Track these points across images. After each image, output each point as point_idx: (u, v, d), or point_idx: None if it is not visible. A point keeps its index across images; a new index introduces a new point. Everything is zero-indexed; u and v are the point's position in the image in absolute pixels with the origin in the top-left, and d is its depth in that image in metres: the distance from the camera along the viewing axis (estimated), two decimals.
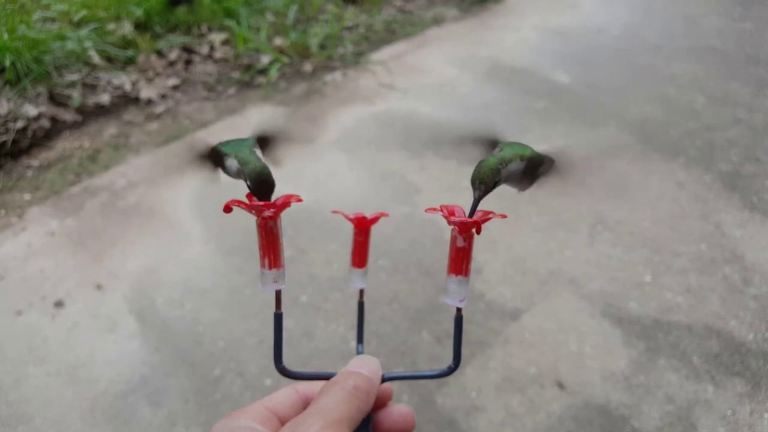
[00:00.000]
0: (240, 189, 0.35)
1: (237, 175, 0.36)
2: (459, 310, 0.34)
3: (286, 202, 0.33)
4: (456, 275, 0.33)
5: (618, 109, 2.10)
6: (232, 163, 0.36)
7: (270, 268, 0.33)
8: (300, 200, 0.33)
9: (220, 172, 0.39)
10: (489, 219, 0.32)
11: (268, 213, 0.32)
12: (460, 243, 0.33)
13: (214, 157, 0.38)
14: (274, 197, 0.34)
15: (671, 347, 1.19)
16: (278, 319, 0.34)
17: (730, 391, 1.11)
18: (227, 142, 0.38)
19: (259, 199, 0.34)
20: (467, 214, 0.34)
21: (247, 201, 0.33)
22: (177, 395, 1.08)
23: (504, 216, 0.32)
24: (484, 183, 0.35)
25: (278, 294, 0.34)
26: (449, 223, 0.33)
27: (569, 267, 1.38)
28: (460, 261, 0.33)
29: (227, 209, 0.32)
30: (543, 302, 1.29)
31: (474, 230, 0.32)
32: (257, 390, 1.09)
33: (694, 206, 1.60)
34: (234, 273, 1.34)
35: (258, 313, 1.25)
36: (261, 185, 0.34)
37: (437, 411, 1.06)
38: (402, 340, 1.20)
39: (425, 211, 0.34)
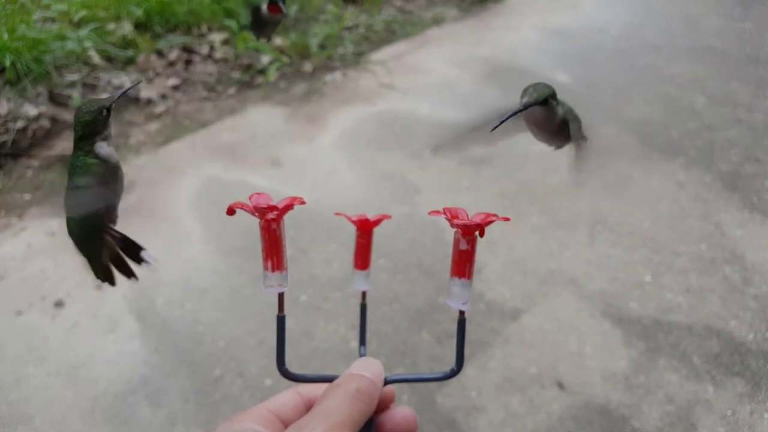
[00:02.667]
0: (241, 191, 0.35)
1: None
2: (462, 312, 0.34)
3: (289, 205, 0.32)
4: (459, 278, 0.33)
5: (618, 109, 2.10)
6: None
7: (273, 270, 0.33)
8: (303, 202, 0.33)
9: None
10: (492, 222, 0.32)
11: (271, 215, 0.32)
12: (464, 246, 0.33)
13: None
14: (276, 200, 0.34)
15: (671, 347, 1.19)
16: (281, 321, 0.34)
17: (730, 391, 1.11)
18: None
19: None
20: (505, 118, 0.33)
21: (249, 203, 0.33)
22: (177, 395, 1.08)
23: (507, 219, 0.32)
24: (537, 92, 0.35)
25: (281, 297, 0.34)
26: (452, 225, 0.32)
27: (569, 267, 1.38)
28: (463, 264, 0.33)
29: (230, 212, 0.32)
30: (543, 302, 1.29)
31: (477, 233, 0.32)
32: (257, 390, 1.09)
33: (694, 206, 1.60)
34: (234, 273, 1.34)
35: (258, 313, 1.25)
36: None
37: (437, 411, 1.06)
38: (402, 340, 1.20)
39: (428, 213, 0.34)
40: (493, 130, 0.37)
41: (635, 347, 1.19)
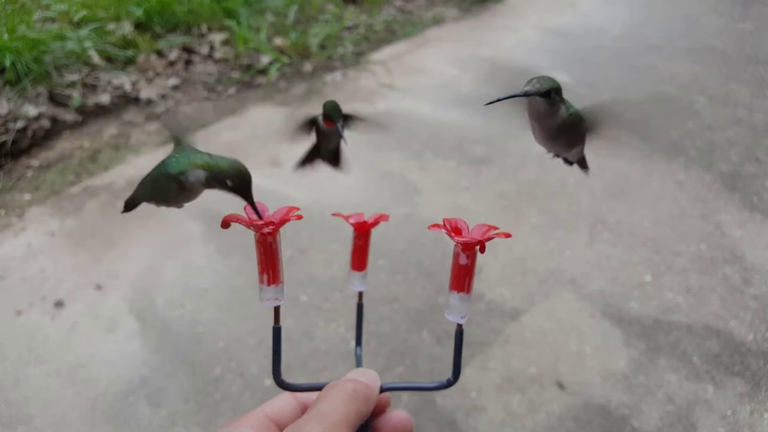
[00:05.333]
0: (237, 202, 0.34)
1: (206, 184, 0.34)
2: (460, 324, 0.34)
3: (284, 219, 0.32)
4: (458, 292, 0.33)
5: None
6: (196, 174, 0.33)
7: (269, 284, 0.33)
8: (299, 217, 0.32)
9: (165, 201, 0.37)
10: (492, 238, 0.32)
11: (267, 230, 0.31)
12: (463, 260, 0.32)
13: (164, 186, 0.35)
14: (272, 209, 0.33)
15: (671, 347, 1.19)
16: (277, 333, 0.34)
17: (730, 391, 1.11)
18: (165, 164, 0.35)
19: (243, 193, 0.32)
20: (502, 98, 0.33)
21: (245, 216, 0.32)
22: (177, 395, 1.08)
23: (508, 235, 0.32)
24: (540, 83, 0.35)
25: (277, 309, 0.34)
26: (453, 240, 0.32)
27: (569, 267, 1.38)
28: (463, 278, 0.33)
29: (225, 225, 0.31)
30: (543, 302, 1.29)
31: (477, 248, 0.32)
32: (257, 390, 1.09)
33: (694, 206, 1.60)
34: (234, 273, 1.34)
35: (258, 313, 1.25)
36: (244, 178, 0.32)
37: (437, 411, 1.06)
38: (402, 341, 1.20)
39: (429, 228, 0.33)
40: (487, 104, 0.36)
41: (635, 347, 1.19)
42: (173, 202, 0.38)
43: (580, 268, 1.38)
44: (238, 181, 0.32)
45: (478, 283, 1.32)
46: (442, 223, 0.33)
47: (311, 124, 0.53)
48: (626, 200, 1.61)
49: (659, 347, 1.19)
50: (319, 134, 0.53)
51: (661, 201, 1.62)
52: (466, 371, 1.13)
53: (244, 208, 0.33)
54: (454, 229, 0.33)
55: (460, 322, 0.33)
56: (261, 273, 0.32)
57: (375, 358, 1.16)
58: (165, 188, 0.36)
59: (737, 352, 1.19)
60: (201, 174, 0.34)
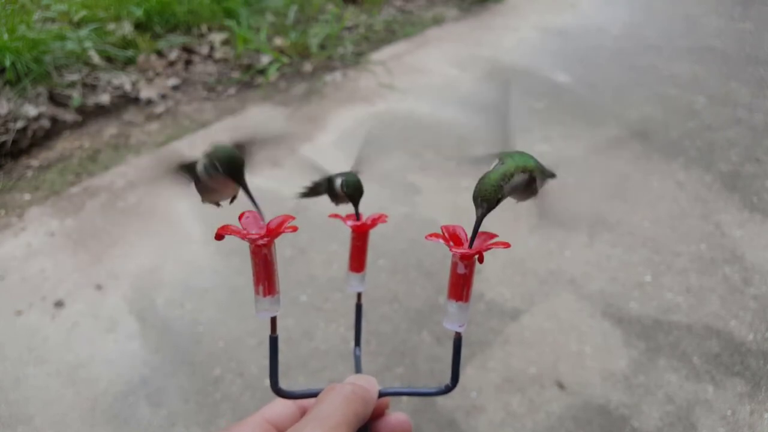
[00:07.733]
0: (232, 211, 0.33)
1: (206, 173, 0.34)
2: (458, 332, 0.34)
3: (278, 231, 0.32)
4: (456, 301, 0.33)
5: (618, 109, 2.10)
6: (202, 164, 0.34)
7: (264, 295, 0.33)
8: (294, 229, 0.32)
9: (194, 185, 0.38)
10: (490, 248, 0.31)
11: (261, 242, 0.31)
12: (461, 270, 0.32)
13: (187, 170, 0.37)
14: (268, 218, 0.33)
15: (671, 347, 1.19)
16: (274, 342, 0.34)
17: (730, 391, 1.11)
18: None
19: (233, 177, 0.32)
20: (470, 235, 0.32)
21: (240, 227, 0.32)
22: (177, 395, 1.08)
23: (507, 245, 0.31)
24: (486, 200, 0.33)
25: (273, 319, 0.34)
26: (451, 250, 0.32)
27: (569, 267, 1.38)
28: (461, 287, 0.32)
29: (219, 237, 0.31)
30: (543, 302, 1.29)
31: (476, 258, 0.32)
32: (257, 390, 1.09)
33: (694, 206, 1.60)
34: (234, 273, 1.34)
35: None
36: (232, 160, 0.32)
37: (437, 411, 1.06)
38: (402, 341, 1.20)
39: (426, 237, 0.33)
40: (472, 238, 0.34)
41: (635, 347, 1.19)
42: (198, 191, 0.39)
43: (580, 268, 1.38)
44: (226, 164, 0.32)
45: (478, 283, 1.32)
46: (440, 231, 0.33)
47: (327, 182, 0.52)
48: (626, 200, 1.61)
49: (659, 347, 1.19)
50: (332, 195, 0.53)
51: (661, 201, 1.62)
52: (466, 371, 1.13)
53: (239, 218, 0.33)
54: (453, 237, 0.32)
55: (459, 330, 0.33)
56: (256, 284, 0.33)
57: (375, 358, 1.16)
58: (189, 174, 0.37)
59: (737, 352, 1.19)
60: (205, 162, 0.34)
